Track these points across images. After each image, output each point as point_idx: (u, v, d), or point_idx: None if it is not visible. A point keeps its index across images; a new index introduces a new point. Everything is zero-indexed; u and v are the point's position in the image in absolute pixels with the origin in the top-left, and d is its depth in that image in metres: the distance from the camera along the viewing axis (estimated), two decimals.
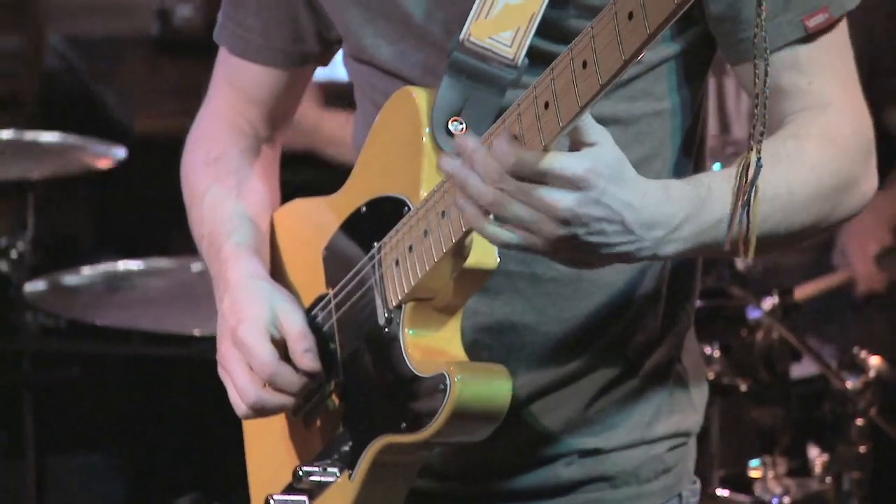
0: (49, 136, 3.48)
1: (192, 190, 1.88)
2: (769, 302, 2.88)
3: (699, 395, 1.80)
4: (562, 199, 1.48)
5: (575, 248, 1.51)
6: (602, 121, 1.51)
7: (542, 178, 1.48)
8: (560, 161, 1.48)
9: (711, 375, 2.86)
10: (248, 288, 1.76)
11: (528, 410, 1.72)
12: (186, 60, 5.27)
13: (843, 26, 1.67)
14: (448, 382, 1.59)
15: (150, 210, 4.57)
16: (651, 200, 1.52)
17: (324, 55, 1.87)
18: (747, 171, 1.43)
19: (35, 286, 3.21)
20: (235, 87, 1.89)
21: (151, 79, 5.25)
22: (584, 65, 1.44)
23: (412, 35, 1.70)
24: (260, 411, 1.73)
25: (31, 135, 3.46)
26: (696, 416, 1.80)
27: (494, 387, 1.61)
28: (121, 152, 3.44)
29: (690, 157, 1.74)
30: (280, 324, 1.72)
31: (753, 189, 1.43)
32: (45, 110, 5.12)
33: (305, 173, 3.57)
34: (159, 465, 3.40)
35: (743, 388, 2.89)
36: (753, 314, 2.90)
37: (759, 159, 1.42)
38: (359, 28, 1.74)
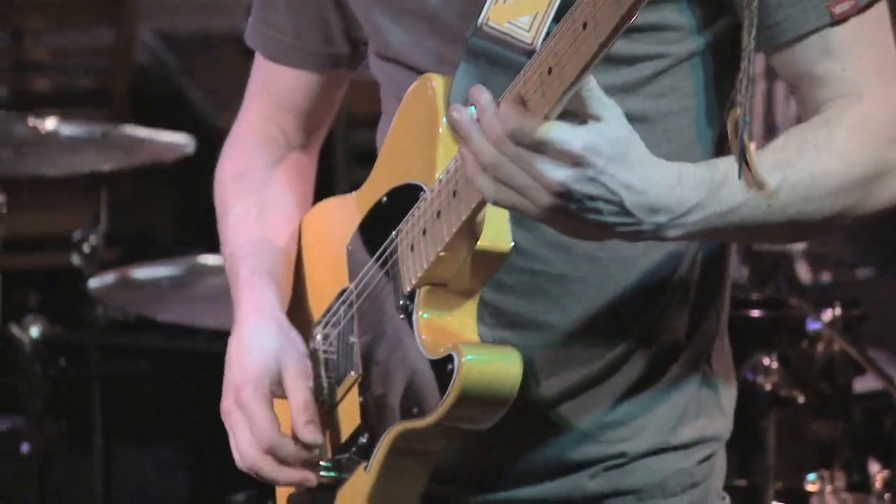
0: (117, 130, 3.50)
1: (220, 205, 1.91)
2: (829, 313, 2.84)
3: (728, 399, 1.78)
4: (555, 173, 1.46)
5: (567, 220, 1.49)
6: (628, 118, 1.50)
7: (539, 148, 1.47)
8: (559, 133, 1.46)
9: (769, 387, 2.83)
10: (257, 334, 1.76)
11: (555, 412, 1.71)
12: None
13: (879, 11, 1.62)
14: (456, 362, 1.58)
15: None
16: (659, 183, 1.50)
17: (353, 58, 1.88)
18: (736, 127, 1.40)
19: (102, 280, 3.25)
20: (270, 92, 1.90)
21: (239, 76, 5.29)
22: (585, 26, 1.43)
23: (430, 26, 1.70)
24: (257, 474, 1.74)
25: (98, 128, 3.49)
26: (725, 420, 1.77)
27: (504, 367, 1.60)
28: (188, 146, 3.45)
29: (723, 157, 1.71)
30: (285, 388, 1.73)
31: (744, 142, 1.39)
32: (135, 105, 5.18)
33: None
34: (220, 461, 3.42)
35: (801, 399, 2.85)
36: (813, 326, 2.86)
37: (745, 115, 1.39)
38: (381, 24, 1.75)
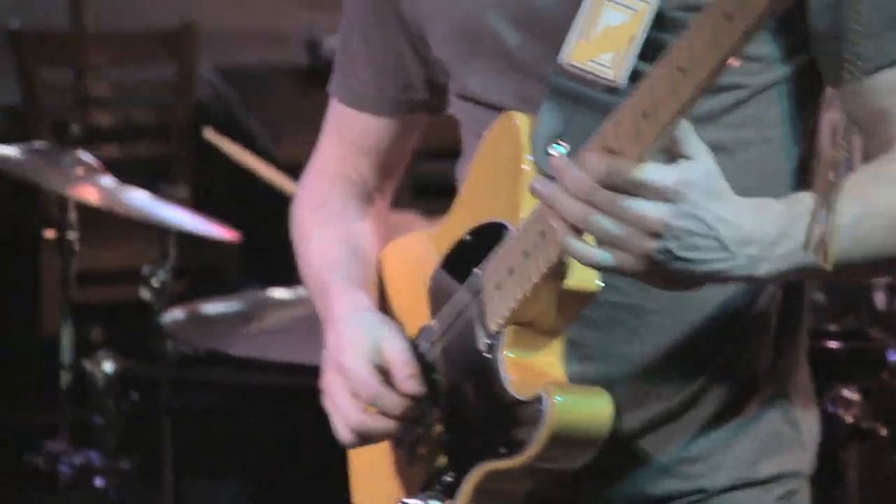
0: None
1: (300, 235, 1.92)
2: None
3: (810, 433, 1.76)
4: (654, 210, 1.46)
5: (667, 265, 1.48)
6: (708, 147, 1.49)
7: (633, 189, 1.46)
8: (652, 171, 1.46)
9: (850, 419, 2.80)
10: (352, 320, 1.77)
11: (635, 445, 1.69)
12: None
13: None
14: (546, 403, 1.57)
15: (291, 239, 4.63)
16: (745, 216, 1.49)
17: (434, 103, 1.88)
18: (833, 170, 1.39)
19: (173, 315, 3.25)
20: (344, 136, 1.91)
21: (299, 108, 5.32)
22: (681, 70, 1.42)
23: (508, 65, 1.70)
24: (363, 437, 1.73)
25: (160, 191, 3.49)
26: (807, 455, 1.75)
27: (594, 409, 1.59)
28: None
29: (805, 190, 1.68)
30: (383, 351, 1.72)
31: (836, 190, 1.39)
32: (194, 140, 5.20)
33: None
34: (290, 495, 3.42)
35: (883, 432, 2.82)
36: (894, 357, 2.83)
37: (848, 159, 1.39)
38: (460, 63, 1.75)
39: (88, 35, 5.53)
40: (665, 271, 1.49)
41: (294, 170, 4.50)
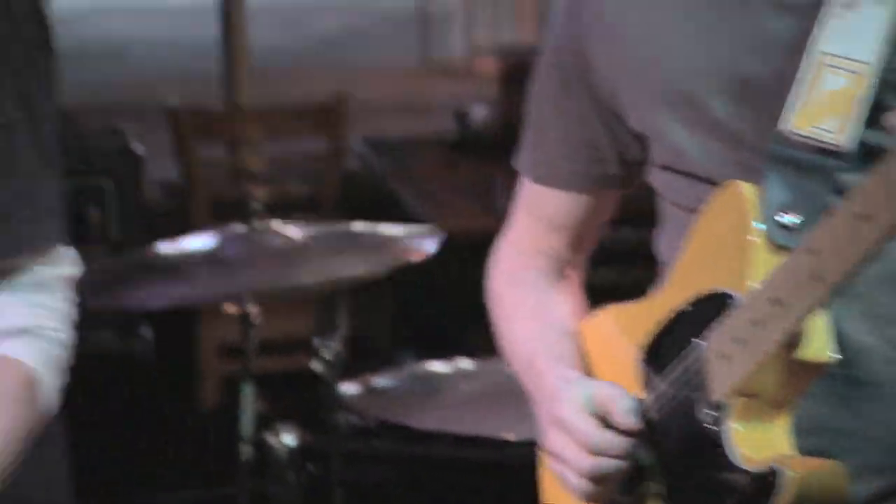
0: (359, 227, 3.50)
1: (499, 310, 1.94)
2: None
3: None
4: None
5: None
6: None
7: None
8: None
9: None
10: (563, 387, 1.78)
11: None
12: (483, 161, 5.37)
13: None
14: (781, 477, 1.54)
15: (450, 310, 4.63)
16: None
17: (626, 179, 1.87)
18: None
19: (348, 388, 3.27)
20: (534, 212, 1.93)
21: (449, 178, 5.36)
22: None
23: (718, 135, 1.68)
24: (598, 479, 1.72)
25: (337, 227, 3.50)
26: None
27: (830, 485, 1.55)
28: (431, 245, 3.45)
29: None
30: (595, 396, 1.72)
31: None
32: (345, 212, 5.24)
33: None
34: None
35: None
36: None
37: None
38: (662, 135, 1.74)
39: (242, 110, 5.61)
40: None
41: (448, 242, 4.52)
